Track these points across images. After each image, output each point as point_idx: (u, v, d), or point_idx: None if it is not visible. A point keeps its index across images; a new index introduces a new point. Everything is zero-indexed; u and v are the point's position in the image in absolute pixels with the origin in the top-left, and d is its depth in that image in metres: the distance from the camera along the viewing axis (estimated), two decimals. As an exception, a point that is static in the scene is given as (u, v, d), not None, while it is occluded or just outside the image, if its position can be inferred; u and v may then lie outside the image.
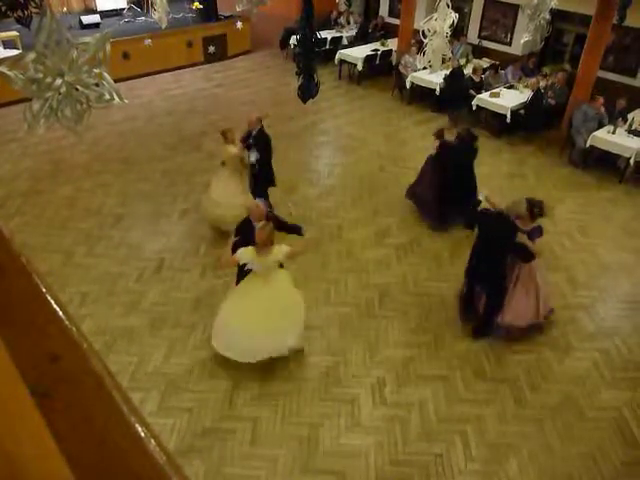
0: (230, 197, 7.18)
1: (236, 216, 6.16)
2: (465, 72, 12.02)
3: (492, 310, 5.94)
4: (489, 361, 5.91)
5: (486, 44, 13.83)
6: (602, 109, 9.88)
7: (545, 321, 6.25)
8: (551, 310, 6.28)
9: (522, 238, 5.60)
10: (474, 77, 11.65)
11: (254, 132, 7.39)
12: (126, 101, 3.69)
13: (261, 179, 7.60)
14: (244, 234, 5.57)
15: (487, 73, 11.95)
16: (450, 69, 11.83)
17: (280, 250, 5.23)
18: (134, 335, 6.08)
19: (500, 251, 5.73)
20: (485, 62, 13.04)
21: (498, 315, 5.93)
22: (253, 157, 7.28)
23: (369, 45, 14.10)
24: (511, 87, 11.47)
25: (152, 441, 0.78)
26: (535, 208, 5.76)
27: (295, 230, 5.97)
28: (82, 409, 0.83)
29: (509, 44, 13.41)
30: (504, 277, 5.81)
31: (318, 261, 7.31)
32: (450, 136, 7.66)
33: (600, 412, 5.37)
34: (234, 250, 5.40)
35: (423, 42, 7.02)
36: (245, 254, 5.16)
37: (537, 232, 5.83)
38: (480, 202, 6.13)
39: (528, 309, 5.95)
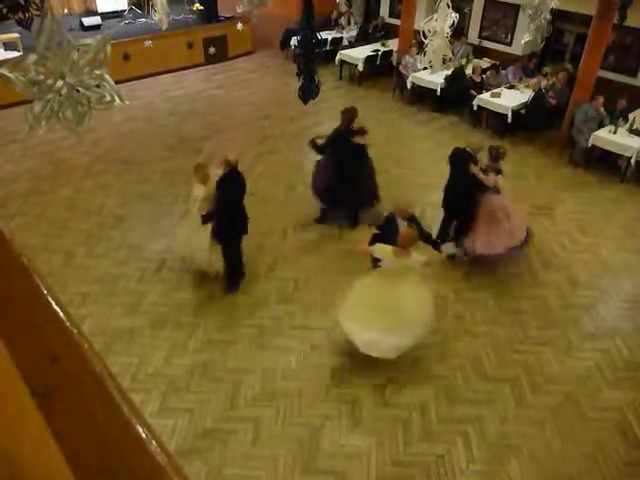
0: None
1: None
2: (466, 72, 12.02)
3: (459, 231, 7.26)
4: (490, 361, 5.90)
5: (486, 44, 13.82)
6: (602, 109, 9.88)
7: (523, 246, 7.03)
8: (527, 239, 7.02)
9: (474, 169, 6.77)
10: (474, 77, 11.65)
11: (220, 174, 6.18)
12: (127, 102, 3.69)
13: (221, 228, 6.35)
14: (387, 229, 5.63)
15: (488, 73, 11.94)
16: (451, 69, 11.84)
17: (417, 258, 5.25)
18: (135, 336, 6.08)
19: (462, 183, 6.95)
20: (485, 62, 13.03)
21: (464, 237, 7.09)
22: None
23: (370, 46, 14.09)
24: (512, 87, 11.46)
25: (153, 442, 0.78)
26: (493, 151, 6.99)
27: (435, 246, 5.88)
28: (83, 409, 0.83)
29: (510, 44, 13.40)
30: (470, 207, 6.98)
31: (319, 263, 7.31)
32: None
33: (601, 412, 5.37)
34: (372, 242, 5.55)
35: (424, 42, 7.02)
36: (381, 250, 5.33)
37: (492, 169, 6.87)
38: None
39: (499, 238, 6.82)
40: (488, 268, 7.16)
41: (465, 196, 6.95)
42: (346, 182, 7.54)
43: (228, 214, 6.14)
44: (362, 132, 7.51)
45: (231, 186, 6.06)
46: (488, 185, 6.73)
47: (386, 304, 5.37)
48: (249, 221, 6.43)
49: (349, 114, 7.53)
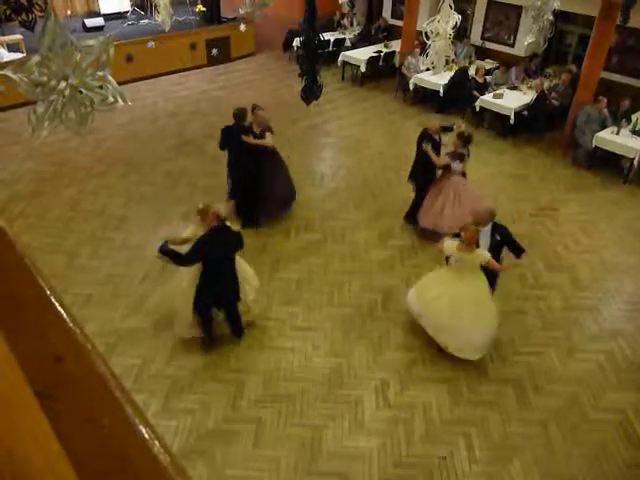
0: None
1: None
2: (469, 73, 12.02)
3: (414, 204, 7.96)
4: (492, 363, 5.90)
5: (489, 45, 13.82)
6: (605, 110, 9.87)
7: None
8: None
9: (426, 148, 7.34)
10: (477, 78, 11.65)
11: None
12: (129, 103, 3.70)
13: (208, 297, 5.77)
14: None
15: (496, 72, 11.94)
16: (455, 70, 11.86)
17: (482, 255, 5.42)
18: (137, 337, 6.08)
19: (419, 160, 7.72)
20: (488, 63, 13.03)
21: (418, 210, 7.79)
22: None
23: (372, 47, 14.12)
24: (514, 88, 11.46)
25: (156, 442, 0.78)
26: (461, 136, 7.34)
27: (517, 250, 5.77)
28: (86, 410, 0.84)
29: (512, 45, 13.39)
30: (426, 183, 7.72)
31: (322, 263, 7.31)
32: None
33: (604, 414, 5.35)
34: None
35: (426, 43, 7.02)
36: (448, 246, 5.59)
37: (457, 157, 7.31)
38: None
39: (445, 218, 7.36)
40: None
41: (422, 172, 7.68)
42: (242, 180, 7.69)
43: (214, 281, 5.41)
44: (261, 132, 7.53)
45: (216, 246, 5.28)
46: (435, 163, 7.33)
47: (450, 298, 5.65)
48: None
49: (237, 111, 7.54)
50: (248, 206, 7.76)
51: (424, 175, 7.71)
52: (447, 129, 7.88)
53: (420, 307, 5.92)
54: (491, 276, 5.80)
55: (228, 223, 5.37)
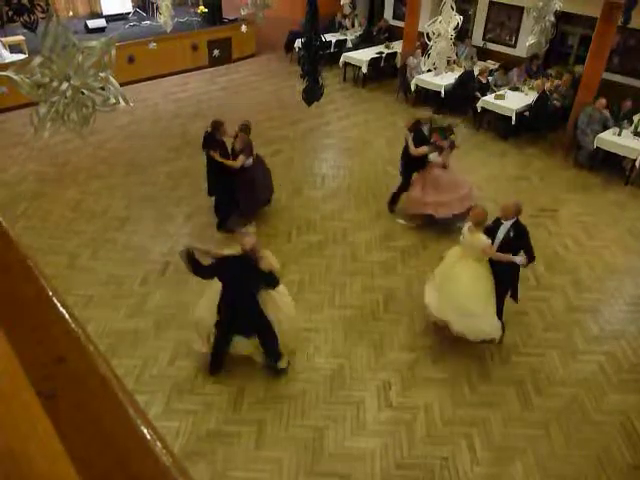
0: None
1: None
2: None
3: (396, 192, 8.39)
4: (494, 364, 5.89)
5: (491, 46, 13.82)
6: (606, 111, 9.86)
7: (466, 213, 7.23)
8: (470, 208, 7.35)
9: (407, 137, 7.87)
10: (482, 79, 11.64)
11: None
12: (131, 104, 3.71)
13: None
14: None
15: (496, 74, 11.94)
16: (462, 71, 11.87)
17: (481, 239, 5.51)
18: (139, 338, 6.09)
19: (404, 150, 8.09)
20: (491, 64, 13.04)
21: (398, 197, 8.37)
22: None
23: (373, 48, 14.12)
24: (516, 89, 11.45)
25: (158, 443, 0.78)
26: (442, 129, 7.90)
27: (527, 255, 5.68)
28: (88, 410, 0.84)
29: (514, 46, 13.39)
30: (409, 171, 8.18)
31: (323, 264, 7.31)
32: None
33: (606, 415, 5.35)
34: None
35: (427, 44, 7.02)
36: (466, 223, 5.82)
37: (435, 149, 7.77)
38: None
39: (426, 205, 7.84)
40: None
41: (407, 162, 8.11)
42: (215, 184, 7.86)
43: (229, 306, 5.25)
44: (239, 151, 7.47)
45: (228, 273, 5.10)
46: (412, 153, 7.74)
47: (449, 275, 5.87)
48: None
49: (213, 123, 7.59)
50: (223, 206, 7.95)
51: (409, 165, 8.10)
52: (446, 130, 8.07)
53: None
54: (507, 275, 5.78)
55: (254, 257, 5.03)
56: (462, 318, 5.69)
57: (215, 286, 5.36)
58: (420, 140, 7.81)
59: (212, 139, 7.52)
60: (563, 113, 10.91)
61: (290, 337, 5.69)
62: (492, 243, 5.59)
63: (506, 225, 5.70)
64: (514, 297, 6.01)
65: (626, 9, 8.90)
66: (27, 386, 0.83)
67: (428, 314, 6.07)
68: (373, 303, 6.68)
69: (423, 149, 7.73)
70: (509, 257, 5.59)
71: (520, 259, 5.58)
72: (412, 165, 8.03)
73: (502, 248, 5.63)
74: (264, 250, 5.31)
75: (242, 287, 5.11)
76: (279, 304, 5.51)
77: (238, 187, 7.61)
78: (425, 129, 8.10)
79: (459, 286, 5.74)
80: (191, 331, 6.17)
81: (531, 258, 5.67)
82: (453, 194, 7.83)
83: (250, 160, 7.54)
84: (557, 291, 7.00)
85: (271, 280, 5.07)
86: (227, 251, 5.32)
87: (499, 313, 5.85)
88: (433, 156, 7.74)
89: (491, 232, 5.70)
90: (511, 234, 5.67)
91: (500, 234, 5.71)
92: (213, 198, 8.08)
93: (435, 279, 6.10)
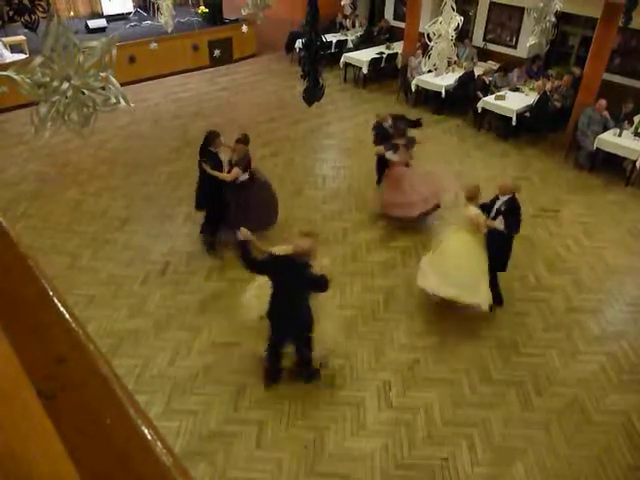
0: None
1: None
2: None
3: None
4: (495, 364, 5.89)
5: (491, 47, 13.81)
6: (606, 112, 9.86)
7: (432, 210, 7.92)
8: (437, 205, 7.96)
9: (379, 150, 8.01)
10: (485, 79, 11.63)
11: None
12: (132, 105, 3.70)
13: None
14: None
15: (495, 75, 11.94)
16: (462, 72, 11.87)
17: (470, 210, 5.92)
18: (139, 338, 6.09)
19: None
20: (492, 64, 13.03)
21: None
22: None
23: (374, 48, 14.12)
24: (517, 90, 11.45)
25: (159, 443, 0.78)
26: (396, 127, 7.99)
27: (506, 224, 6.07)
28: (88, 410, 0.84)
29: (514, 47, 13.39)
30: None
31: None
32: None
33: (607, 416, 5.34)
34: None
35: (428, 45, 7.02)
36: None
37: (391, 147, 7.78)
38: None
39: (396, 206, 7.81)
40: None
41: (378, 161, 8.42)
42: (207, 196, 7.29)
43: (275, 304, 5.08)
44: (235, 163, 7.02)
45: (274, 271, 5.01)
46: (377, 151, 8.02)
47: (445, 247, 6.29)
48: None
49: (207, 134, 7.09)
50: (209, 224, 7.46)
51: (378, 164, 8.33)
52: (414, 124, 8.29)
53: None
54: (501, 253, 6.20)
55: (307, 261, 4.91)
56: (453, 287, 6.05)
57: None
58: (381, 137, 8.03)
59: (206, 151, 7.07)
60: (563, 114, 10.90)
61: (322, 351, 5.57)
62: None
63: (501, 200, 6.09)
64: (502, 269, 6.41)
65: (627, 10, 8.90)
66: (27, 386, 0.83)
67: (421, 285, 6.40)
68: (373, 303, 6.68)
69: (379, 148, 7.93)
70: (491, 223, 5.96)
71: (499, 223, 5.96)
72: (380, 164, 8.28)
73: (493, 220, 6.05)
74: (322, 256, 5.25)
75: (291, 288, 4.97)
76: (326, 312, 5.45)
77: (229, 204, 7.14)
78: (402, 125, 8.12)
79: (451, 258, 6.14)
80: (191, 332, 6.19)
81: (513, 229, 6.02)
82: (418, 193, 7.77)
83: (246, 175, 7.07)
84: (558, 291, 7.00)
85: (321, 285, 4.86)
86: (279, 249, 5.21)
87: (492, 285, 6.19)
88: (389, 154, 7.79)
89: (487, 208, 6.11)
90: (502, 208, 6.04)
91: (494, 208, 6.12)
92: (203, 218, 7.50)
93: (430, 256, 6.48)
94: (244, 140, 7.11)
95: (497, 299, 6.44)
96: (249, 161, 7.15)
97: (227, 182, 6.97)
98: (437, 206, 8.01)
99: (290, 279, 4.86)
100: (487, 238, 6.01)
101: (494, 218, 6.03)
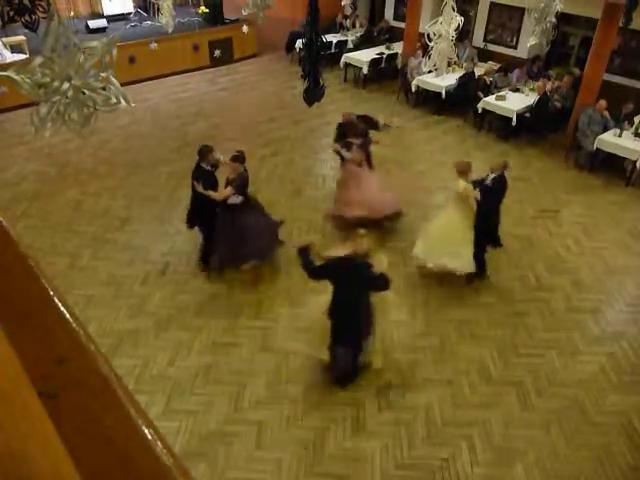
0: None
1: None
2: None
3: None
4: (495, 365, 5.89)
5: (492, 47, 13.81)
6: (606, 112, 9.86)
7: (381, 220, 7.79)
8: (397, 212, 7.96)
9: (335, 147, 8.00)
10: (486, 79, 11.62)
11: None
12: (132, 104, 3.70)
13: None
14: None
15: (496, 75, 11.94)
16: (463, 72, 11.88)
17: (459, 183, 6.37)
18: (139, 338, 6.09)
19: None
20: (493, 65, 13.03)
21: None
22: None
23: (374, 49, 14.12)
24: (517, 90, 11.45)
25: (159, 443, 0.78)
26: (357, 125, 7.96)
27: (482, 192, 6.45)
28: (89, 411, 0.84)
29: (515, 47, 13.39)
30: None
31: (323, 264, 7.30)
32: None
33: (607, 416, 5.34)
34: None
35: (428, 45, 7.02)
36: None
37: (344, 145, 7.79)
38: None
39: (343, 204, 7.72)
40: (492, 273, 7.14)
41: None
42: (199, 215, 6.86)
43: (335, 307, 5.15)
44: (229, 182, 6.50)
45: (335, 273, 5.06)
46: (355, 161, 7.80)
47: (438, 218, 6.88)
48: None
49: (199, 148, 6.64)
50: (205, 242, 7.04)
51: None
52: (373, 126, 8.24)
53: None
54: (486, 225, 6.61)
55: (367, 260, 5.01)
56: (440, 254, 6.67)
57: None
58: (339, 136, 8.08)
59: (198, 167, 6.56)
60: (564, 114, 10.90)
61: (379, 360, 5.57)
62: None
63: (490, 177, 6.57)
64: (495, 244, 6.97)
65: (627, 10, 8.91)
66: (28, 386, 0.83)
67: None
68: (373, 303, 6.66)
69: (335, 146, 7.98)
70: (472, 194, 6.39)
71: (477, 194, 6.38)
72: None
73: (482, 195, 6.43)
74: (380, 254, 5.28)
75: (352, 289, 5.03)
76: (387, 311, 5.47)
77: (218, 228, 6.67)
78: (362, 125, 8.05)
79: (438, 229, 6.77)
80: (191, 332, 6.18)
81: (488, 203, 6.45)
82: (368, 196, 7.58)
83: (239, 198, 6.46)
84: (558, 292, 7.00)
85: (382, 284, 4.94)
86: (338, 252, 5.25)
87: (478, 258, 6.73)
88: (343, 152, 7.79)
89: (478, 184, 6.51)
90: (489, 183, 6.51)
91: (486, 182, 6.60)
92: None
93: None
94: (238, 158, 6.53)
95: (480, 271, 6.93)
96: (245, 182, 6.55)
97: (218, 202, 6.45)
98: (397, 214, 7.99)
99: (352, 280, 4.97)
100: (477, 212, 6.46)
101: (482, 193, 6.43)
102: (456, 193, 6.46)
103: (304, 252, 4.95)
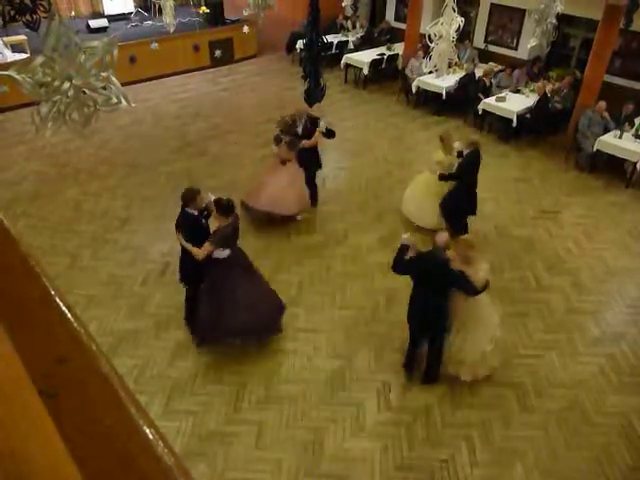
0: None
1: None
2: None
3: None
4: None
5: (492, 48, 13.81)
6: (606, 114, 9.86)
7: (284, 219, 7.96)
8: (286, 217, 7.99)
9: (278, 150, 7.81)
10: (485, 80, 11.63)
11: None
12: (133, 104, 3.70)
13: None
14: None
15: (500, 75, 11.93)
16: (463, 73, 11.88)
17: (439, 154, 7.53)
18: (139, 338, 6.09)
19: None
20: (493, 66, 13.03)
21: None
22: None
23: (375, 49, 14.12)
24: (517, 91, 11.45)
25: (160, 443, 0.78)
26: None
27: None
28: (90, 410, 0.84)
29: (515, 48, 13.39)
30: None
31: (324, 265, 7.31)
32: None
33: (606, 417, 5.34)
34: None
35: (429, 46, 7.02)
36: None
37: (277, 140, 7.76)
38: None
39: (253, 195, 7.82)
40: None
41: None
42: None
43: (414, 300, 5.37)
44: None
45: (417, 269, 5.23)
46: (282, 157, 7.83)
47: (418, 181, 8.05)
48: None
49: (184, 193, 5.52)
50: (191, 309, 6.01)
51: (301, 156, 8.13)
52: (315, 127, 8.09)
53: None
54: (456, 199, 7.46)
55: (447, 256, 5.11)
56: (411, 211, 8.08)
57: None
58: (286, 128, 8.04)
59: (183, 213, 5.55)
60: (564, 115, 10.90)
61: (494, 360, 5.58)
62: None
63: (466, 152, 7.31)
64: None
65: (628, 12, 8.91)
66: (29, 385, 0.83)
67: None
68: (374, 305, 6.68)
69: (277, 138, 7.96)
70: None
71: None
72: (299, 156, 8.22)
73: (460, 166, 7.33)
74: (477, 256, 5.27)
75: (430, 284, 5.13)
76: (484, 322, 5.44)
77: (201, 291, 5.65)
78: (322, 123, 7.98)
79: (412, 191, 8.11)
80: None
81: (469, 174, 7.34)
82: (279, 189, 7.69)
83: (226, 252, 5.39)
84: (557, 293, 7.00)
85: (461, 283, 4.97)
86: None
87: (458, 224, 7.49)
88: (272, 146, 7.91)
89: (459, 155, 7.39)
90: (459, 157, 7.35)
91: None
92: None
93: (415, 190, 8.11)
94: (221, 207, 5.33)
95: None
96: (228, 234, 5.38)
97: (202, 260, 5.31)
98: (297, 214, 8.10)
99: (431, 274, 5.09)
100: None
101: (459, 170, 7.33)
102: (434, 161, 7.54)
103: (404, 249, 5.14)
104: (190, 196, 5.40)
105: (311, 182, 8.30)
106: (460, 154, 7.37)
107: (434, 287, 5.11)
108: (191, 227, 5.45)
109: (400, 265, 5.18)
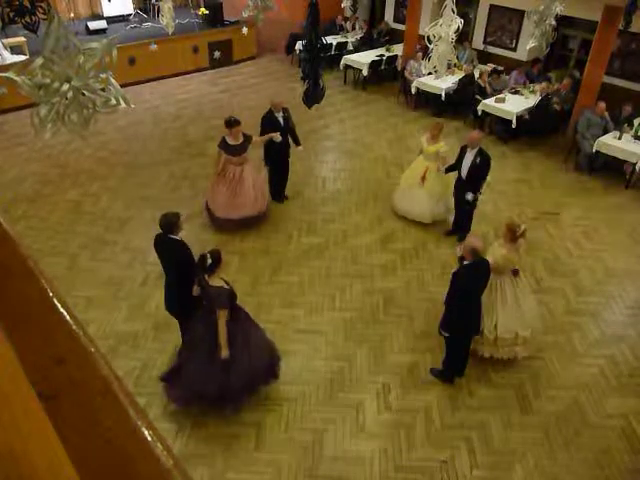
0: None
1: None
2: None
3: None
4: (494, 367, 5.88)
5: (491, 50, 13.83)
6: (606, 115, 9.86)
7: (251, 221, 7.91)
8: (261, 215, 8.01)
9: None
10: (480, 82, 11.65)
11: None
12: (132, 106, 3.71)
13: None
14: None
15: (489, 78, 11.96)
16: (462, 74, 11.89)
17: (440, 146, 7.72)
18: (138, 339, 6.08)
19: None
20: (490, 67, 13.05)
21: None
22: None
23: (374, 51, 14.15)
24: (516, 92, 11.46)
25: (159, 445, 0.78)
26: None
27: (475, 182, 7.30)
28: (89, 412, 0.83)
29: (514, 50, 13.41)
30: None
31: (323, 266, 7.31)
32: None
33: (606, 419, 5.34)
34: None
35: (428, 47, 7.02)
36: (423, 139, 7.95)
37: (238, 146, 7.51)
38: None
39: (218, 203, 7.72)
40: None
41: (268, 150, 8.28)
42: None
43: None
44: None
45: (469, 280, 5.13)
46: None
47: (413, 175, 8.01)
48: None
49: (163, 220, 5.14)
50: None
51: (270, 153, 8.22)
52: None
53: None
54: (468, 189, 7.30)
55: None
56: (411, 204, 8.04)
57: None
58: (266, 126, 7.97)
59: (165, 241, 5.21)
60: (563, 117, 10.91)
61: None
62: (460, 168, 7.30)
63: (472, 152, 7.14)
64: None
65: (627, 13, 8.90)
66: (28, 387, 0.82)
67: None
68: (373, 305, 6.68)
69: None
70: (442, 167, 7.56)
71: (470, 195, 7.24)
72: (270, 152, 8.24)
73: (470, 173, 7.18)
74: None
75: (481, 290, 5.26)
76: (522, 313, 5.61)
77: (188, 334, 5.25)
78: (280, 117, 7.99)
79: (406, 182, 8.16)
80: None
81: (476, 189, 7.25)
82: (241, 198, 7.63)
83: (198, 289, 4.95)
84: (557, 294, 7.00)
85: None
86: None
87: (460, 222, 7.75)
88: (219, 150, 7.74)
89: (457, 157, 7.38)
90: (477, 160, 7.09)
91: (467, 160, 7.20)
92: None
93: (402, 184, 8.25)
94: (205, 265, 4.74)
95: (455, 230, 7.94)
96: (222, 295, 4.75)
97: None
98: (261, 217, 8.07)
99: (479, 282, 5.19)
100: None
101: (470, 170, 7.16)
102: (426, 151, 7.76)
103: (462, 259, 5.18)
104: (174, 221, 5.08)
105: (274, 177, 8.52)
106: (459, 156, 7.44)
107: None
108: (186, 254, 5.16)
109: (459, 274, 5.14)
